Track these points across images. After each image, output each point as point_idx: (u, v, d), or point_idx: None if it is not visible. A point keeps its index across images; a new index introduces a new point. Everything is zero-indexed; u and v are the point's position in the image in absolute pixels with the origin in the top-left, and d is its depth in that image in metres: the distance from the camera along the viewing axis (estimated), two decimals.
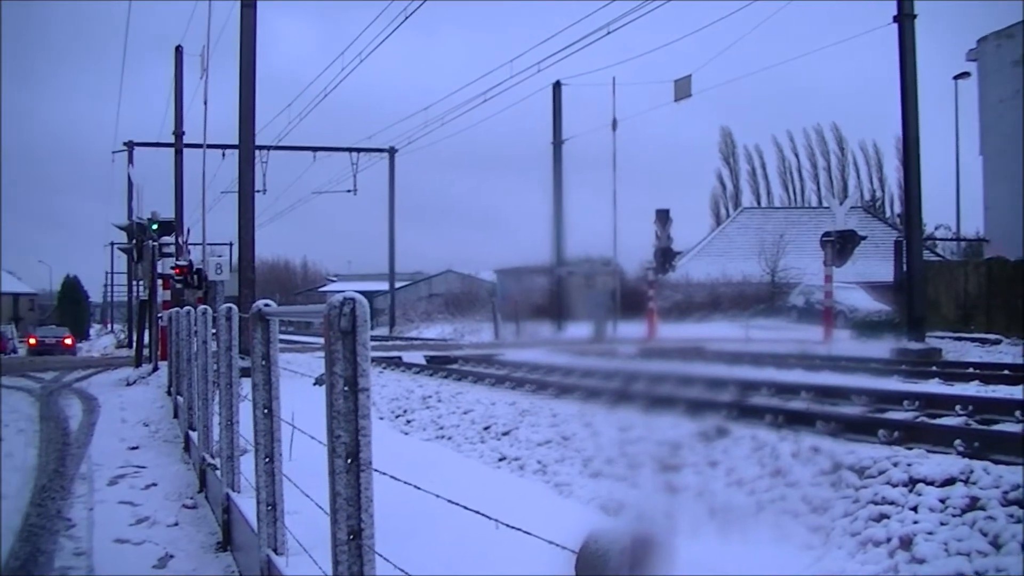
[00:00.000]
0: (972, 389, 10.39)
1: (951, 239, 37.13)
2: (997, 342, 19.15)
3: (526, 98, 32.04)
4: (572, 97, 30.23)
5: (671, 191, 77.94)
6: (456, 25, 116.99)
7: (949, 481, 5.18)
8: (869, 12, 21.28)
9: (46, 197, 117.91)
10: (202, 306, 8.49)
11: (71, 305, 63.20)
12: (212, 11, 21.98)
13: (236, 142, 16.58)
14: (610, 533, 1.71)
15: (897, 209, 53.91)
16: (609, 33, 19.88)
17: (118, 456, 9.22)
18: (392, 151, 38.38)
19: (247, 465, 4.78)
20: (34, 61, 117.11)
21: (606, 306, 25.23)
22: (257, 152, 20.21)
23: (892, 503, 5.16)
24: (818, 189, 60.54)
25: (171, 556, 5.44)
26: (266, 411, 4.07)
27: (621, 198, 27.40)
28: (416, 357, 18.92)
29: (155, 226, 22.16)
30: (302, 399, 5.48)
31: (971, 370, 12.99)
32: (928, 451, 6.27)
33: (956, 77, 31.67)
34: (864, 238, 20.78)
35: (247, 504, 4.67)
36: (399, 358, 18.77)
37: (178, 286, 20.23)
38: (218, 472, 6.10)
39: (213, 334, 6.79)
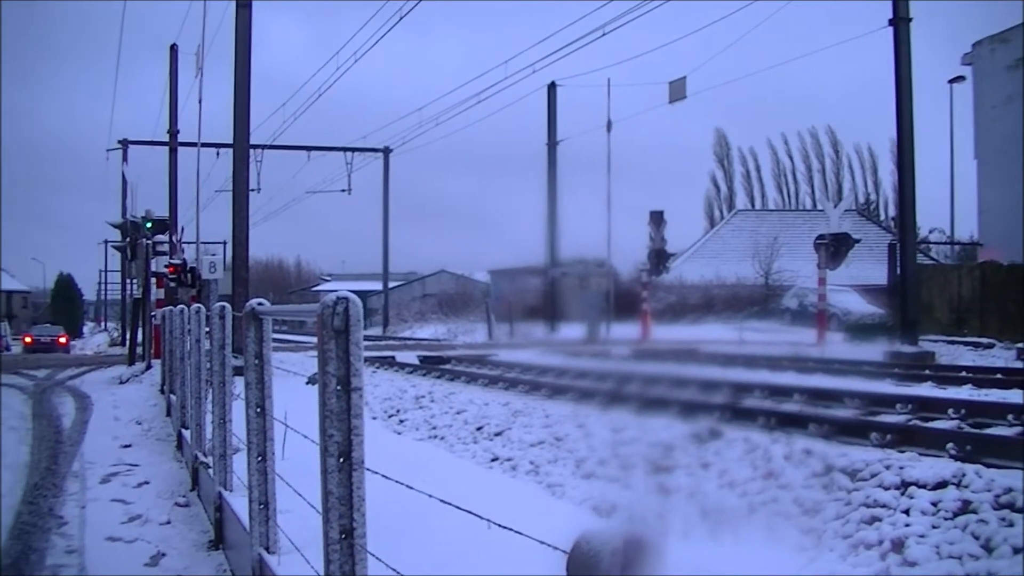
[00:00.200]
0: (965, 393, 10.40)
1: (945, 243, 37.33)
2: (990, 346, 19.22)
3: (521, 99, 32.26)
4: (567, 98, 30.30)
5: (665, 193, 78.31)
6: (451, 25, 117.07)
7: (941, 484, 5.19)
8: (864, 15, 21.41)
9: (40, 195, 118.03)
10: (195, 305, 8.49)
11: (65, 303, 62.88)
12: (207, 10, 21.90)
13: (231, 141, 16.59)
14: (602, 534, 1.71)
15: (891, 212, 54.17)
16: (604, 34, 19.98)
17: (111, 454, 9.21)
18: (387, 151, 38.41)
19: (240, 464, 4.77)
20: (31, 60, 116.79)
21: (600, 307, 25.29)
22: (252, 151, 20.17)
23: (884, 506, 5.17)
24: (812, 192, 60.78)
25: (163, 554, 5.44)
26: (259, 410, 4.07)
27: (615, 199, 27.54)
28: (409, 357, 18.95)
29: (149, 224, 22.10)
30: (295, 398, 5.47)
31: (964, 373, 13.02)
32: (920, 454, 6.29)
33: (951, 81, 31.81)
34: (858, 241, 20.85)
35: (239, 503, 4.67)
36: (392, 358, 18.79)
37: (172, 284, 20.25)
38: (211, 471, 6.10)
39: (206, 333, 6.78)
